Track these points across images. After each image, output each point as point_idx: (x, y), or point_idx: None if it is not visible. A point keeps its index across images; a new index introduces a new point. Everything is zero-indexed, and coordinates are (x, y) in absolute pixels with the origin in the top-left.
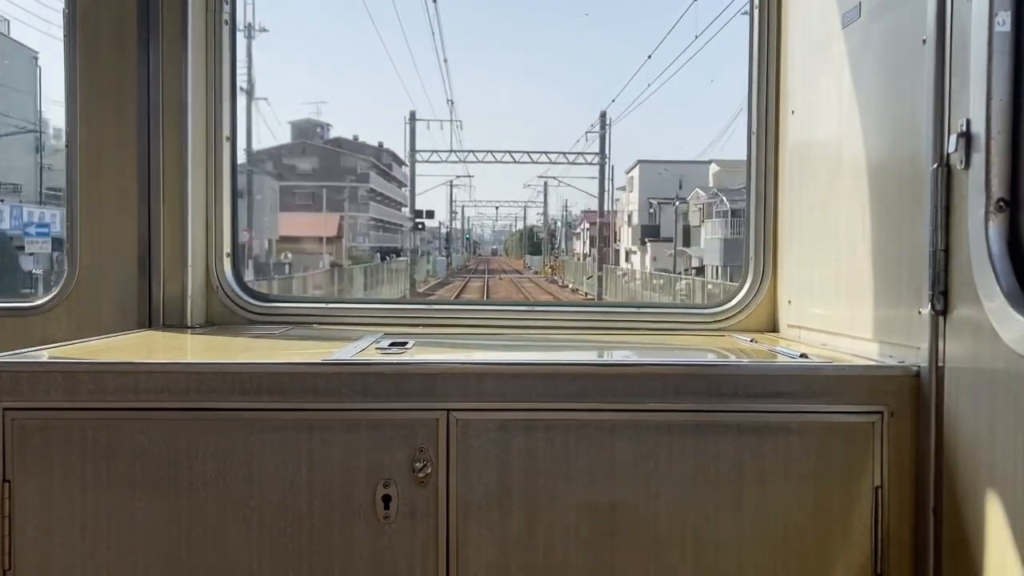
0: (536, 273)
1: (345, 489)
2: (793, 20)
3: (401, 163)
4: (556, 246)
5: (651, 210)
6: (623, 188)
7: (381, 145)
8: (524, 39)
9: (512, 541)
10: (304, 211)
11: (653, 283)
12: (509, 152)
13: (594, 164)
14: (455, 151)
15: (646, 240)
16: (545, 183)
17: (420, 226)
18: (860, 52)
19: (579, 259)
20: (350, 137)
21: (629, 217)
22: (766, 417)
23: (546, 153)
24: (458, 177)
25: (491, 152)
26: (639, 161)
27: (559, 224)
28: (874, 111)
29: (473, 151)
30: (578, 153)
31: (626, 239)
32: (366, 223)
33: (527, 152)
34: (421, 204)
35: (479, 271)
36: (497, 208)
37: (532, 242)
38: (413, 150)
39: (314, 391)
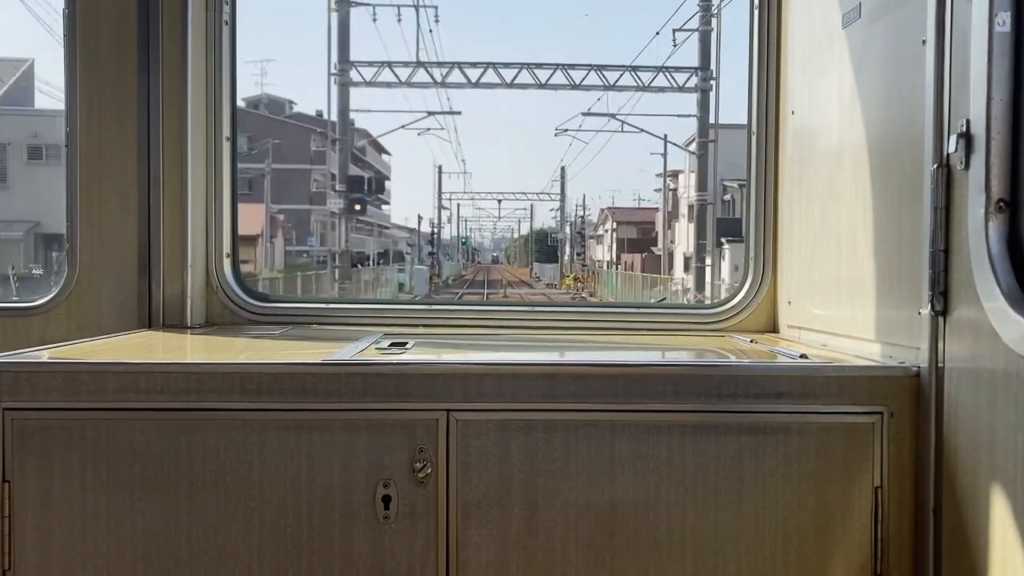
0: (551, 286)
1: (345, 489)
2: (793, 20)
3: (381, 150)
4: (583, 250)
5: (726, 197)
6: (673, 176)
7: (351, 122)
8: None
9: (512, 541)
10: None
11: None
12: (527, 67)
13: (689, 90)
14: (425, 64)
15: (722, 240)
16: (562, 171)
17: (356, 204)
18: (860, 52)
19: (602, 267)
20: (311, 114)
21: (692, 208)
22: (766, 417)
23: (597, 69)
24: (430, 115)
25: (493, 67)
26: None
27: (581, 222)
28: (874, 111)
29: (460, 64)
30: (660, 69)
31: (687, 238)
32: (325, 220)
33: (560, 67)
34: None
35: (477, 283)
36: (500, 201)
37: (545, 246)
38: (346, 62)
39: (314, 391)
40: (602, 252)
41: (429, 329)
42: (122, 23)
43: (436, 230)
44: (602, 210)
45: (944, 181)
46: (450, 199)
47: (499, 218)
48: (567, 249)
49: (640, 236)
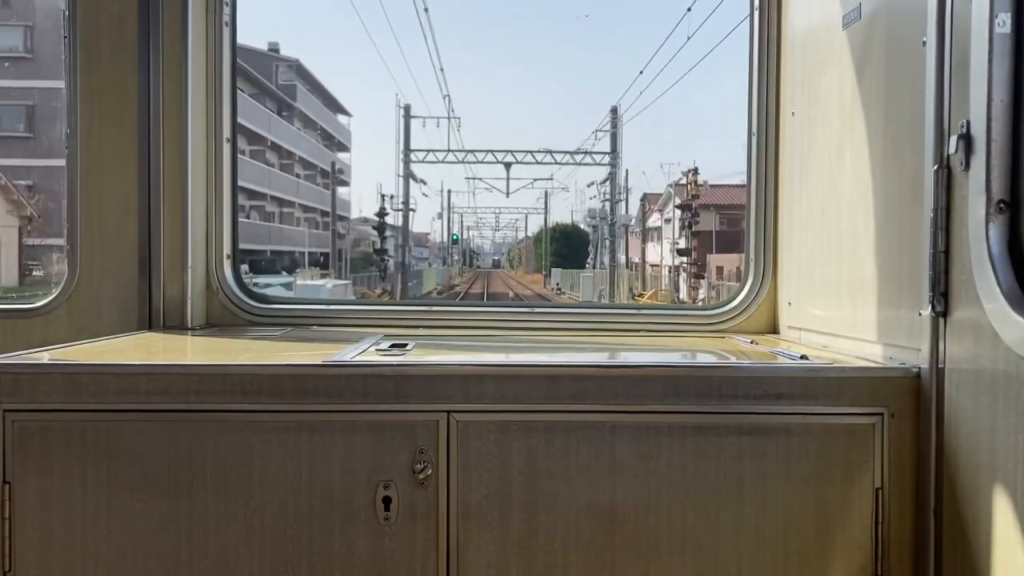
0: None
1: (345, 491)
2: (793, 21)
3: (337, 107)
4: (690, 245)
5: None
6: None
7: (275, 51)
8: None
9: (512, 543)
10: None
11: None
12: None
13: None
14: None
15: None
16: (614, 113)
17: None
18: (860, 53)
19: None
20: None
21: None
22: (767, 419)
23: None
24: None
25: None
26: None
27: (692, 183)
28: (874, 112)
29: None
30: None
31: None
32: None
33: None
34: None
35: (471, 297)
36: (510, 165)
37: (568, 245)
38: None
39: (314, 392)
40: (659, 252)
41: (429, 330)
42: (122, 23)
43: (383, 213)
44: (667, 187)
45: (944, 182)
46: (426, 159)
47: (507, 195)
48: (623, 245)
49: (728, 227)
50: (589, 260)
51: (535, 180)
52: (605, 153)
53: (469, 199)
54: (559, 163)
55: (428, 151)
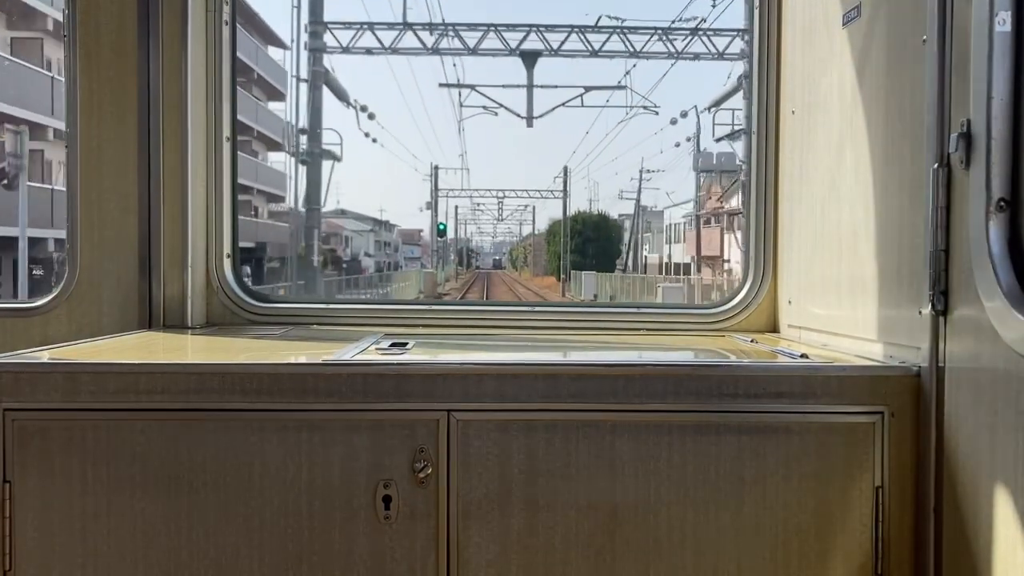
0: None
1: (345, 490)
2: (793, 20)
3: (265, 32)
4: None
5: None
6: None
7: None
8: None
9: (513, 542)
10: None
11: None
12: None
13: None
14: None
15: None
16: None
17: None
18: (861, 52)
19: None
20: None
21: None
22: (767, 417)
23: None
24: None
25: None
26: None
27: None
28: (874, 111)
29: None
30: None
31: None
32: None
33: None
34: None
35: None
36: (532, 60)
37: (596, 239)
38: None
39: (314, 391)
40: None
41: (429, 329)
42: (122, 23)
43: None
44: None
45: (944, 180)
46: (354, 43)
47: (530, 122)
48: (667, 236)
49: None
50: (620, 260)
51: (588, 89)
52: (735, 31)
53: (460, 167)
54: (635, 53)
55: (362, 25)
